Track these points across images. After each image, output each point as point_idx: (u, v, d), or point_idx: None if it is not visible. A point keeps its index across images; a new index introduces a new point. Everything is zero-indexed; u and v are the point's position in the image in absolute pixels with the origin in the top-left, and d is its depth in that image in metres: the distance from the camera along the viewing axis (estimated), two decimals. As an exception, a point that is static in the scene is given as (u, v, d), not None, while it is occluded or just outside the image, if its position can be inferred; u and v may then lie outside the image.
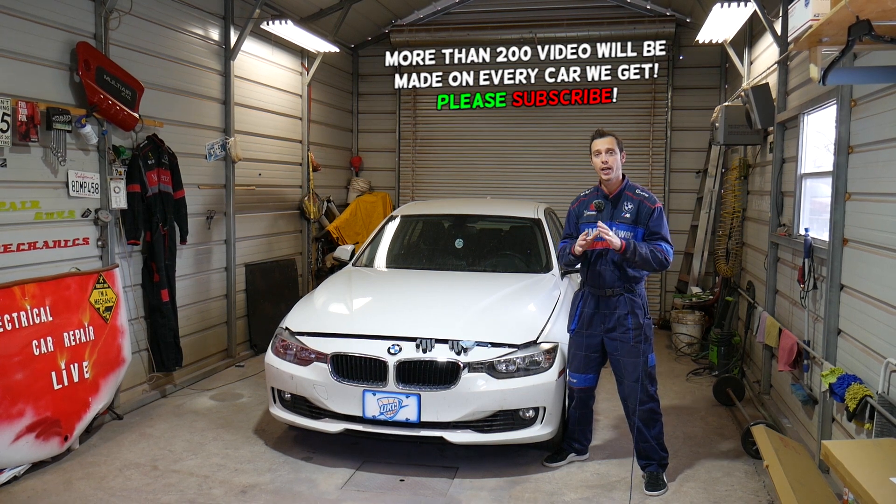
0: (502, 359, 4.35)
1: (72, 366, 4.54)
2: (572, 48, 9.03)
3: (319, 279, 8.26)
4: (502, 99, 9.46)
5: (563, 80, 9.18)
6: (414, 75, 9.51)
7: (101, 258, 5.26)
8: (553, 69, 9.16)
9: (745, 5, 5.99)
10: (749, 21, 6.70)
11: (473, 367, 4.31)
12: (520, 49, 9.14)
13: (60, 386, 4.43)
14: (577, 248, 4.15)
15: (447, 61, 9.40)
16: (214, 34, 6.70)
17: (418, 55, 9.35)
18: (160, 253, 5.69)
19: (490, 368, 4.33)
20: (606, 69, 8.99)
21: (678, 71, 9.16)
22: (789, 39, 5.23)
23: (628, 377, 4.25)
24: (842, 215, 4.19)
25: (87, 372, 4.65)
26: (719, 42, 7.39)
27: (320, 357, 4.47)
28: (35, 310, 4.32)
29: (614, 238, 4.04)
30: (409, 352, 4.34)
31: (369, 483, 4.30)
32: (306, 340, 4.61)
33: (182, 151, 6.01)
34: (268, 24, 7.08)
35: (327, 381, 4.39)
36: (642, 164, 9.20)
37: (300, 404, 4.58)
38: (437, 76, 9.48)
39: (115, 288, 5.01)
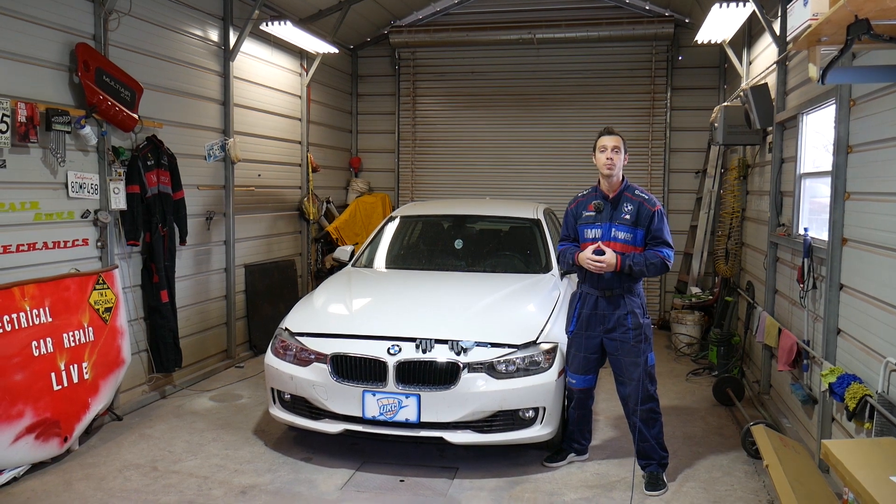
0: (502, 359, 4.35)
1: (71, 367, 4.53)
2: (572, 46, 9.04)
3: (319, 280, 8.26)
4: (502, 98, 9.46)
5: (562, 79, 9.17)
6: (414, 75, 9.50)
7: (101, 259, 5.26)
8: (552, 68, 9.16)
9: (744, 5, 5.99)
10: (748, 21, 6.70)
11: (473, 367, 4.31)
12: (519, 48, 9.15)
13: (60, 387, 4.43)
14: (589, 267, 4.18)
15: (447, 60, 9.39)
16: (213, 35, 6.70)
17: (419, 55, 9.35)
18: (160, 254, 5.69)
19: (490, 369, 4.33)
20: (606, 68, 8.97)
21: (677, 71, 9.16)
22: (788, 39, 5.23)
23: (628, 377, 4.25)
24: (841, 215, 4.19)
25: (86, 373, 4.65)
26: (718, 42, 7.40)
27: (320, 357, 4.47)
28: (35, 311, 4.32)
29: (607, 265, 4.11)
30: (409, 352, 4.34)
31: (369, 483, 4.30)
32: (306, 341, 4.60)
33: (181, 152, 6.01)
34: (267, 24, 7.09)
35: (327, 382, 4.39)
36: (641, 164, 9.20)
37: (300, 405, 4.57)
38: (437, 75, 9.47)
39: (115, 289, 5.01)
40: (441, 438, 4.31)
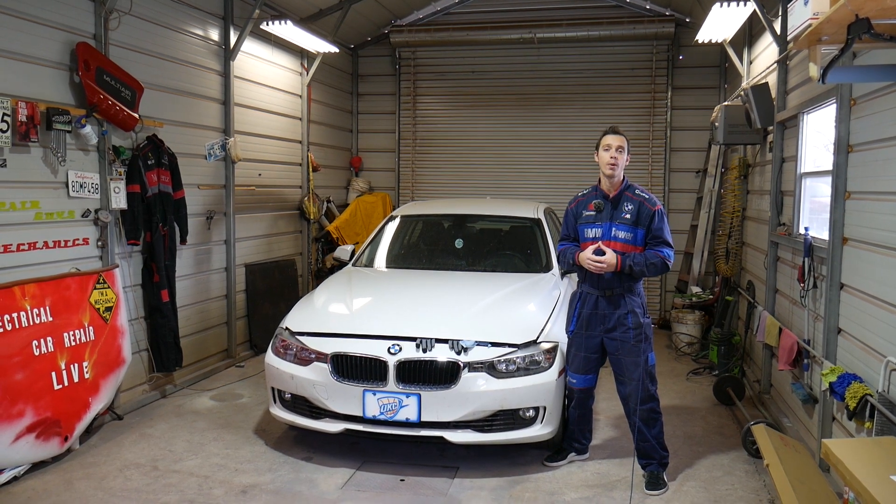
0: (502, 358, 4.35)
1: (72, 366, 4.53)
2: (572, 46, 9.05)
3: (319, 279, 8.25)
4: (502, 97, 9.49)
5: (562, 78, 9.18)
6: (415, 74, 9.51)
7: (101, 258, 5.26)
8: (553, 67, 9.16)
9: (745, 5, 5.98)
10: (748, 20, 6.70)
11: (473, 366, 4.31)
12: (520, 47, 9.16)
13: (60, 386, 4.43)
14: (590, 267, 4.18)
15: (447, 60, 9.39)
16: (214, 34, 6.70)
17: (419, 54, 9.36)
18: (160, 253, 5.69)
19: (490, 368, 4.32)
20: (607, 67, 8.98)
21: (678, 71, 9.16)
22: (789, 38, 5.23)
23: (629, 377, 4.25)
24: (841, 214, 4.19)
25: (87, 372, 4.65)
26: (719, 42, 7.39)
27: (320, 357, 4.47)
28: (35, 310, 4.32)
29: (608, 265, 4.11)
30: (410, 352, 4.34)
31: (369, 483, 4.30)
32: (306, 340, 4.60)
33: (182, 152, 6.01)
34: (267, 24, 7.09)
35: (327, 381, 4.39)
36: (642, 163, 9.19)
37: (300, 404, 4.57)
38: (438, 75, 9.48)
39: (115, 288, 5.01)
40: (441, 438, 4.31)
